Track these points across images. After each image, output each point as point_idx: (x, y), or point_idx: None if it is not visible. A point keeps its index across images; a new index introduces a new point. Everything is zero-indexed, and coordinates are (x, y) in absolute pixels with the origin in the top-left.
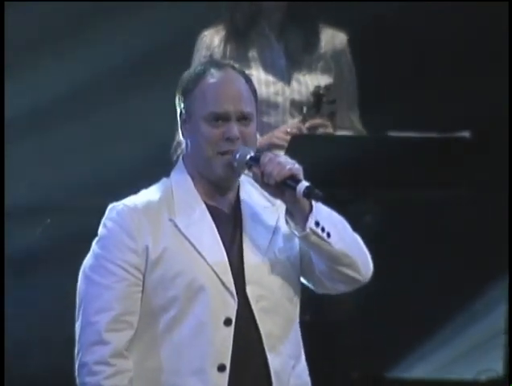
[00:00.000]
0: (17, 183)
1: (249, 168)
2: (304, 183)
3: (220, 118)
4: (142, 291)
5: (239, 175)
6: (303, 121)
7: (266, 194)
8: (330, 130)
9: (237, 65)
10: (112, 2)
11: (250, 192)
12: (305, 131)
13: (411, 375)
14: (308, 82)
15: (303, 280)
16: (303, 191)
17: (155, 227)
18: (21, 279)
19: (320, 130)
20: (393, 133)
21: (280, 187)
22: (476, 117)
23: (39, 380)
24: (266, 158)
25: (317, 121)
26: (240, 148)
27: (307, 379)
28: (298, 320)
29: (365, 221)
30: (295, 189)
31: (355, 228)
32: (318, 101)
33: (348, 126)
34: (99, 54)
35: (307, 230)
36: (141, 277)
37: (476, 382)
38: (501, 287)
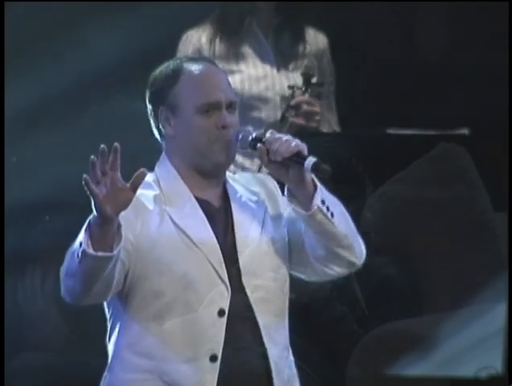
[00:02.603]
0: (17, 181)
1: (253, 147)
2: (312, 158)
3: (212, 107)
4: (133, 274)
5: (232, 160)
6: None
7: (251, 187)
8: (316, 109)
9: (213, 60)
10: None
11: (236, 187)
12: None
13: (412, 372)
14: (296, 79)
15: (291, 270)
16: (311, 166)
17: (150, 217)
18: (20, 277)
19: (305, 107)
20: (392, 131)
21: (286, 165)
22: (477, 117)
23: (38, 380)
24: (272, 135)
25: (303, 98)
26: (240, 130)
27: (295, 371)
28: (287, 310)
29: (365, 219)
30: (302, 164)
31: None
32: (307, 81)
33: (326, 127)
34: (98, 50)
35: (315, 207)
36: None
37: (477, 379)
38: (501, 286)
